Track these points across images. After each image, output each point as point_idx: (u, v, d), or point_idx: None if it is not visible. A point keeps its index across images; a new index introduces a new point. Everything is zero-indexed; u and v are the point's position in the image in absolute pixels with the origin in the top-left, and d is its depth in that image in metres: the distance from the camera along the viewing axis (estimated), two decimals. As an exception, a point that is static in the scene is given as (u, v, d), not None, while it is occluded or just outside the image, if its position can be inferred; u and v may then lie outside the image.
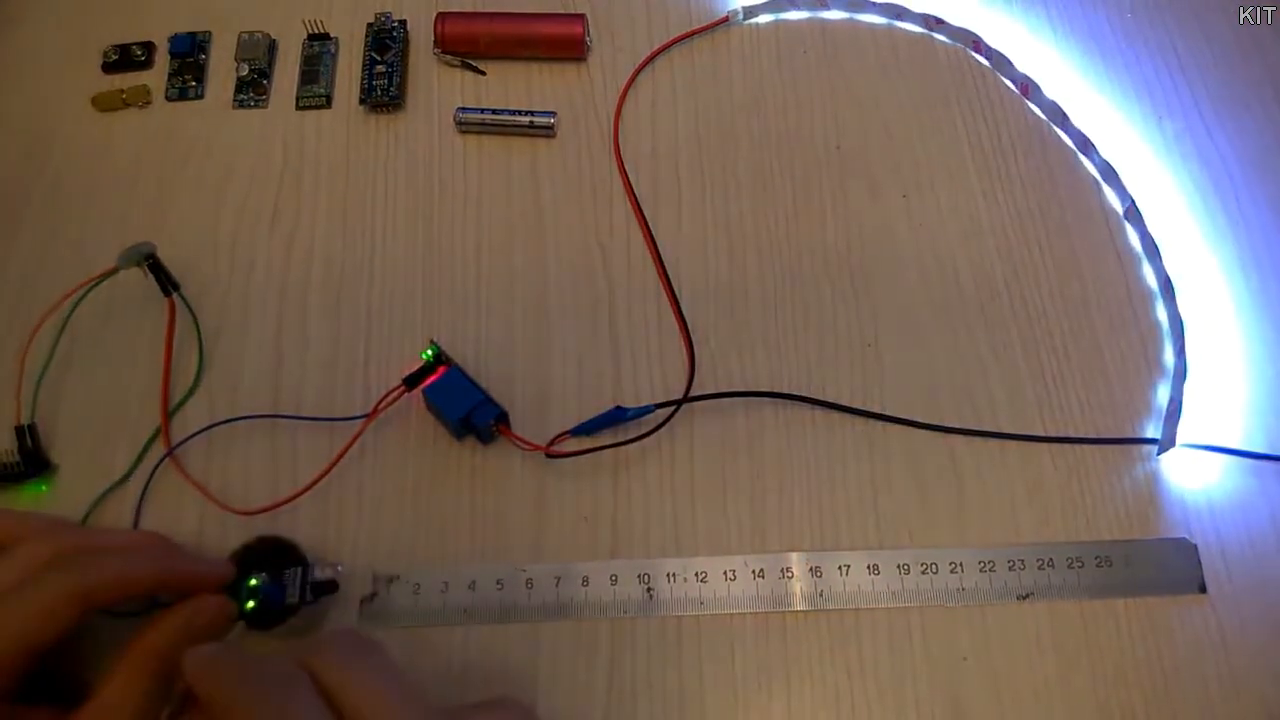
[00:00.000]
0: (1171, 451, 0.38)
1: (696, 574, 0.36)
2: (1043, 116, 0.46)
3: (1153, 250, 0.42)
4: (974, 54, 0.47)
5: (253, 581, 0.34)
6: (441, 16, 0.46)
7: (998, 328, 0.41)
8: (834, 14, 0.48)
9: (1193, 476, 0.38)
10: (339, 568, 0.35)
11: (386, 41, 0.47)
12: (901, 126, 0.45)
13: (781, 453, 0.39)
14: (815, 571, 0.36)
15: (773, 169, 0.45)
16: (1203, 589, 0.36)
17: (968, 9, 0.48)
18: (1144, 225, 0.42)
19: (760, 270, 0.42)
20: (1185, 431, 0.38)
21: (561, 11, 0.47)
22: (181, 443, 0.38)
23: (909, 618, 0.36)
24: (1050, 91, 0.46)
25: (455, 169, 0.45)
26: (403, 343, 0.41)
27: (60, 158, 0.45)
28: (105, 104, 0.46)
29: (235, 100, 0.46)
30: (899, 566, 0.36)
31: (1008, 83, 0.47)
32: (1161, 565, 0.36)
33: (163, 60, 0.47)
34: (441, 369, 0.38)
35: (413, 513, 0.38)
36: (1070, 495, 0.38)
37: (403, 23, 0.48)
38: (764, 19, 0.48)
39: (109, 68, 0.47)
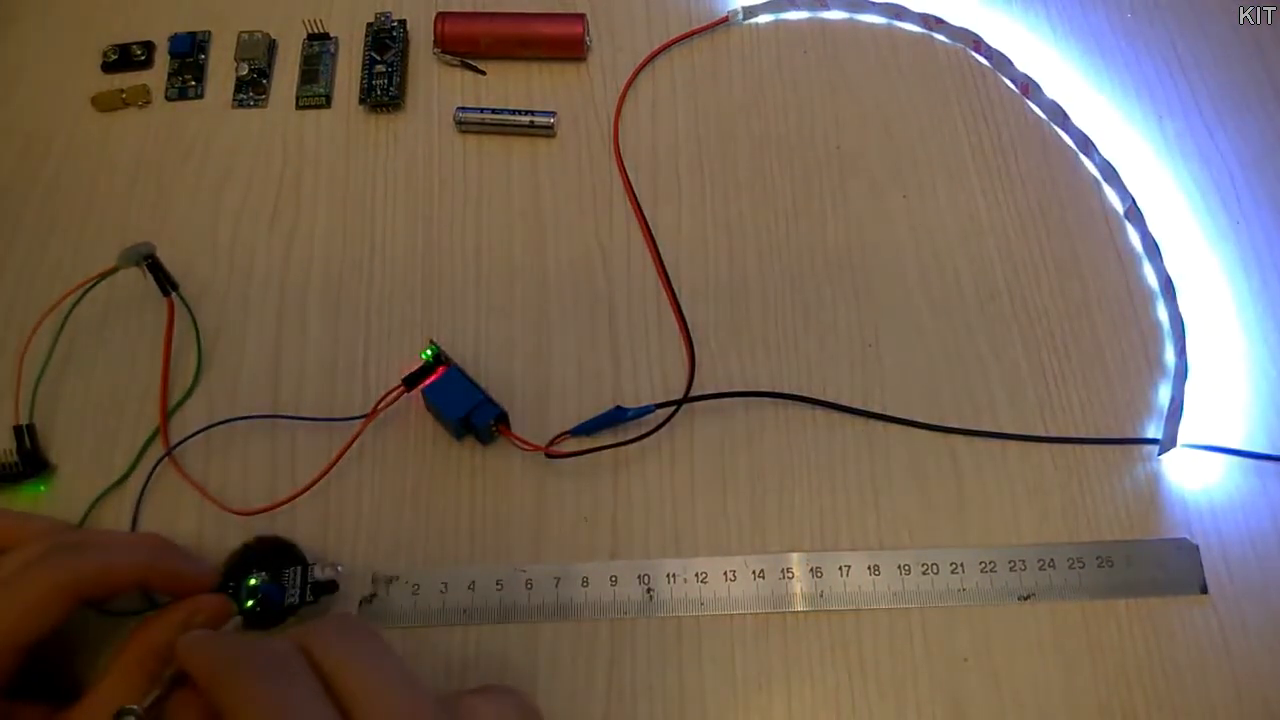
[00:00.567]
0: (1173, 452, 0.38)
1: (696, 574, 0.36)
2: (1043, 116, 0.46)
3: (1153, 250, 0.42)
4: (974, 54, 0.47)
5: (252, 581, 0.34)
6: (441, 16, 0.46)
7: (998, 328, 0.41)
8: (834, 14, 0.48)
9: (1194, 477, 0.38)
10: (339, 568, 0.35)
11: (386, 41, 0.47)
12: (901, 126, 0.45)
13: (781, 453, 0.39)
14: (816, 572, 0.36)
15: (773, 169, 0.45)
16: (1204, 589, 0.36)
17: (968, 9, 0.48)
18: (1145, 225, 0.42)
19: (760, 270, 0.42)
20: (1186, 432, 0.38)
21: (561, 11, 0.47)
22: (180, 443, 0.38)
23: (910, 618, 0.36)
24: (1050, 91, 0.46)
25: (455, 169, 0.45)
26: (402, 343, 0.41)
27: (60, 158, 0.45)
28: (105, 104, 0.46)
29: (235, 100, 0.46)
30: (900, 567, 0.36)
31: (1008, 83, 0.47)
32: (1163, 566, 0.36)
33: (162, 60, 0.47)
34: (441, 369, 0.37)
35: (412, 513, 0.37)
36: (1071, 495, 0.38)
37: (402, 22, 0.48)
38: (764, 19, 0.48)
39: (109, 68, 0.47)
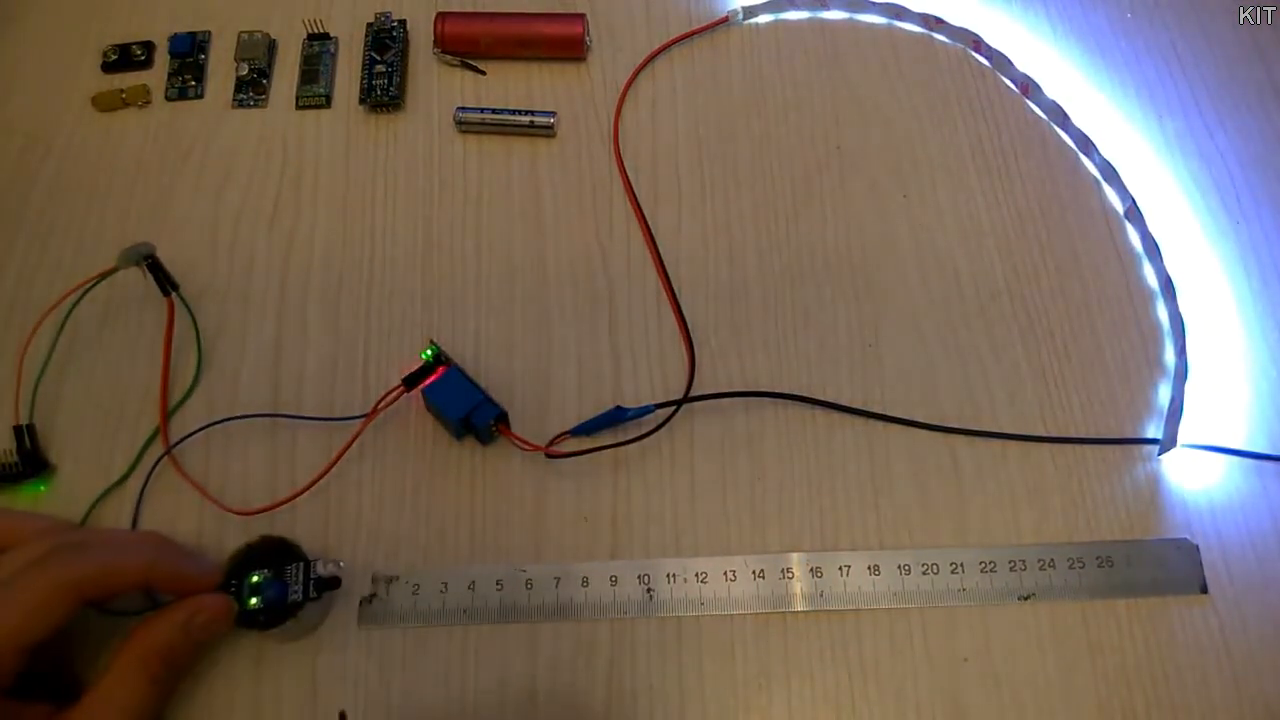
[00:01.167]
0: (1173, 452, 0.38)
1: (696, 574, 0.36)
2: (1043, 116, 0.46)
3: (1153, 250, 0.42)
4: (974, 54, 0.47)
5: (255, 578, 0.34)
6: (441, 16, 0.46)
7: (998, 328, 0.41)
8: (834, 14, 0.48)
9: (1194, 477, 0.38)
10: (341, 564, 0.35)
11: (386, 41, 0.47)
12: (901, 126, 0.45)
13: (781, 453, 0.39)
14: (816, 572, 0.36)
15: (773, 169, 0.45)
16: (1204, 589, 0.36)
17: (968, 9, 0.48)
18: (1145, 225, 0.42)
19: (760, 270, 0.42)
20: (1186, 432, 0.38)
21: (561, 11, 0.47)
22: (180, 441, 0.38)
23: (910, 618, 0.36)
24: (1050, 91, 0.46)
25: (455, 169, 0.45)
26: (403, 343, 0.41)
27: (60, 158, 0.45)
28: (105, 104, 0.46)
29: (235, 100, 0.46)
30: (900, 567, 0.36)
31: (1008, 83, 0.47)
32: (1163, 566, 0.36)
33: (163, 60, 0.47)
34: (441, 369, 0.37)
35: (412, 513, 0.37)
36: (1071, 495, 0.38)
37: (402, 22, 0.48)
38: (764, 19, 0.48)
39: (109, 68, 0.47)
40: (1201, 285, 0.42)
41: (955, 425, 0.39)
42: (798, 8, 0.48)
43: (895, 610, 0.36)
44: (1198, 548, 0.37)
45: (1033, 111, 0.46)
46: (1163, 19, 0.48)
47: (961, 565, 0.36)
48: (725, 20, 0.48)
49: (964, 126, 0.45)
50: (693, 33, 0.48)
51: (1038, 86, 0.46)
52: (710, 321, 0.41)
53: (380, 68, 0.46)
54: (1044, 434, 0.39)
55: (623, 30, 0.48)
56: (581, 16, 0.46)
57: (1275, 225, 0.43)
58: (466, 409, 0.37)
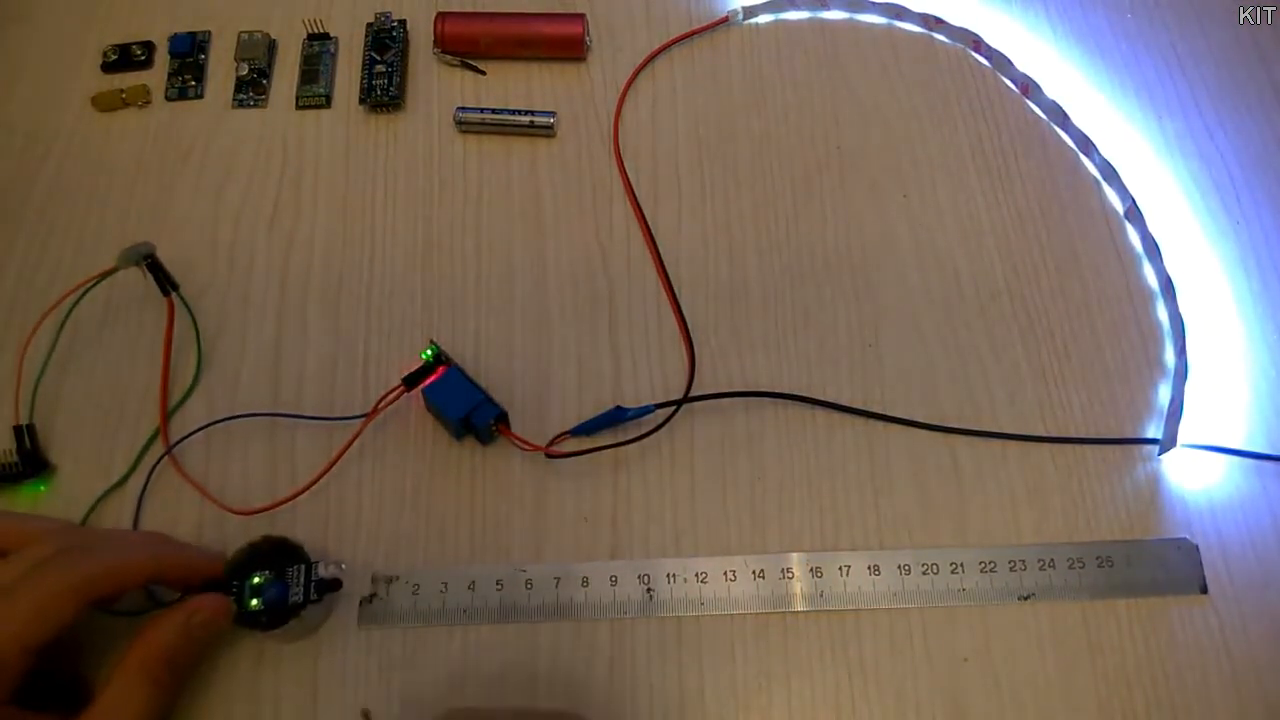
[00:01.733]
0: (1173, 451, 0.38)
1: (696, 574, 0.36)
2: (1043, 116, 0.46)
3: (1153, 250, 0.42)
4: (974, 54, 0.47)
5: (257, 580, 0.34)
6: (441, 16, 0.46)
7: (998, 328, 0.41)
8: (834, 14, 0.48)
9: (1194, 477, 0.38)
10: (342, 565, 0.35)
11: (386, 41, 0.47)
12: (901, 126, 0.45)
13: (781, 453, 0.39)
14: (816, 572, 0.36)
15: (773, 169, 0.45)
16: (1204, 589, 0.36)
17: (968, 9, 0.48)
18: (1144, 225, 0.42)
19: (760, 270, 0.42)
20: (1186, 432, 0.38)
21: (561, 11, 0.47)
22: (181, 440, 0.38)
23: (910, 618, 0.36)
24: (1050, 91, 0.46)
25: (455, 169, 0.45)
26: (403, 343, 0.41)
27: (60, 158, 0.45)
28: (105, 104, 0.46)
29: (235, 100, 0.46)
30: (900, 567, 0.36)
31: (1008, 83, 0.47)
32: (1163, 565, 0.36)
33: (163, 60, 0.47)
34: (441, 369, 0.37)
35: (412, 513, 0.37)
36: (1071, 495, 0.38)
37: (402, 22, 0.48)
38: (764, 19, 0.48)
39: (109, 68, 0.47)
40: (1201, 285, 0.42)
41: (955, 425, 0.39)
42: (798, 8, 0.48)
43: (895, 610, 0.36)
44: (1198, 548, 0.37)
45: (1033, 111, 0.46)
46: (1163, 19, 0.48)
47: (961, 565, 0.36)
48: (725, 20, 0.48)
49: (964, 126, 0.45)
50: (693, 33, 0.48)
51: (1038, 86, 0.46)
52: (710, 321, 0.41)
53: (380, 68, 0.46)
54: (1044, 434, 0.39)
55: (623, 30, 0.48)
56: (581, 16, 0.46)
57: (1275, 225, 0.43)
58: (466, 409, 0.37)
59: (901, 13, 0.48)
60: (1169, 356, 0.40)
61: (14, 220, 0.43)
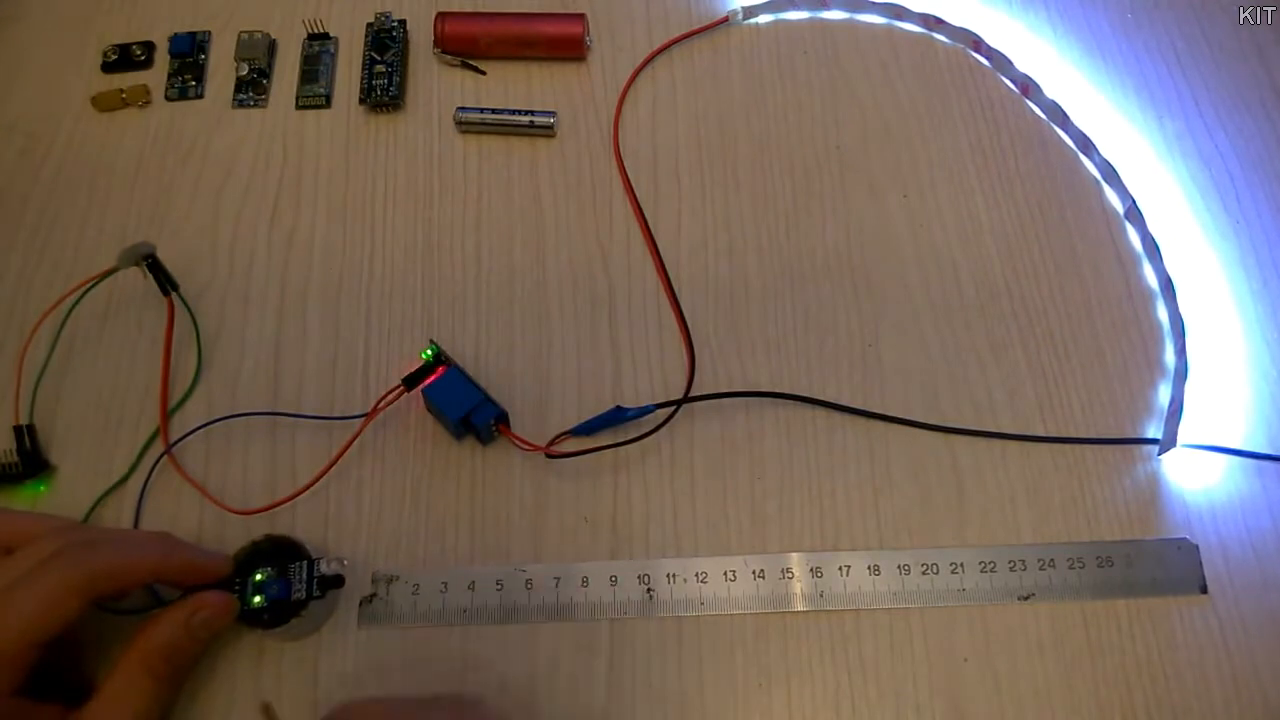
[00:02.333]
0: (1172, 451, 0.38)
1: (696, 574, 0.36)
2: (1043, 116, 0.46)
3: (1153, 250, 0.42)
4: (974, 54, 0.47)
5: (259, 577, 0.34)
6: (441, 16, 0.46)
7: (998, 328, 0.41)
8: (834, 14, 0.48)
9: (1194, 477, 0.38)
10: (344, 562, 0.35)
11: (386, 41, 0.47)
12: (901, 126, 0.45)
13: (781, 453, 0.39)
14: (816, 572, 0.36)
15: (773, 169, 0.45)
16: (1204, 589, 0.36)
17: (968, 9, 0.48)
18: (1144, 225, 0.42)
19: (760, 270, 0.42)
20: (1186, 432, 0.38)
21: (561, 11, 0.47)
22: (181, 439, 0.38)
23: (909, 618, 0.36)
24: (1050, 91, 0.46)
25: (455, 169, 0.45)
26: (403, 343, 0.41)
27: (60, 158, 0.45)
28: (105, 104, 0.46)
29: (235, 100, 0.46)
30: (899, 567, 0.36)
31: (1008, 83, 0.47)
32: (1163, 566, 0.36)
33: (163, 60, 0.47)
34: (441, 369, 0.37)
35: (412, 513, 0.37)
36: (1071, 495, 0.38)
37: (402, 22, 0.48)
38: (764, 19, 0.48)
39: (109, 68, 0.47)
40: (1201, 285, 0.42)
41: (955, 425, 0.39)
42: (798, 8, 0.48)
43: (895, 610, 0.36)
44: (1198, 548, 0.37)
45: (1033, 111, 0.46)
46: (1163, 19, 0.48)
47: (961, 565, 0.36)
48: (725, 20, 0.48)
49: (964, 126, 0.45)
50: (693, 33, 0.48)
51: (1038, 86, 0.46)
52: (710, 321, 0.41)
53: (380, 68, 0.46)
54: (1044, 434, 0.39)
55: (623, 30, 0.48)
56: (581, 16, 0.46)
57: (1275, 225, 0.43)
58: (466, 409, 0.37)
59: (901, 13, 0.48)
60: (1169, 356, 0.40)
61: (14, 220, 0.43)
